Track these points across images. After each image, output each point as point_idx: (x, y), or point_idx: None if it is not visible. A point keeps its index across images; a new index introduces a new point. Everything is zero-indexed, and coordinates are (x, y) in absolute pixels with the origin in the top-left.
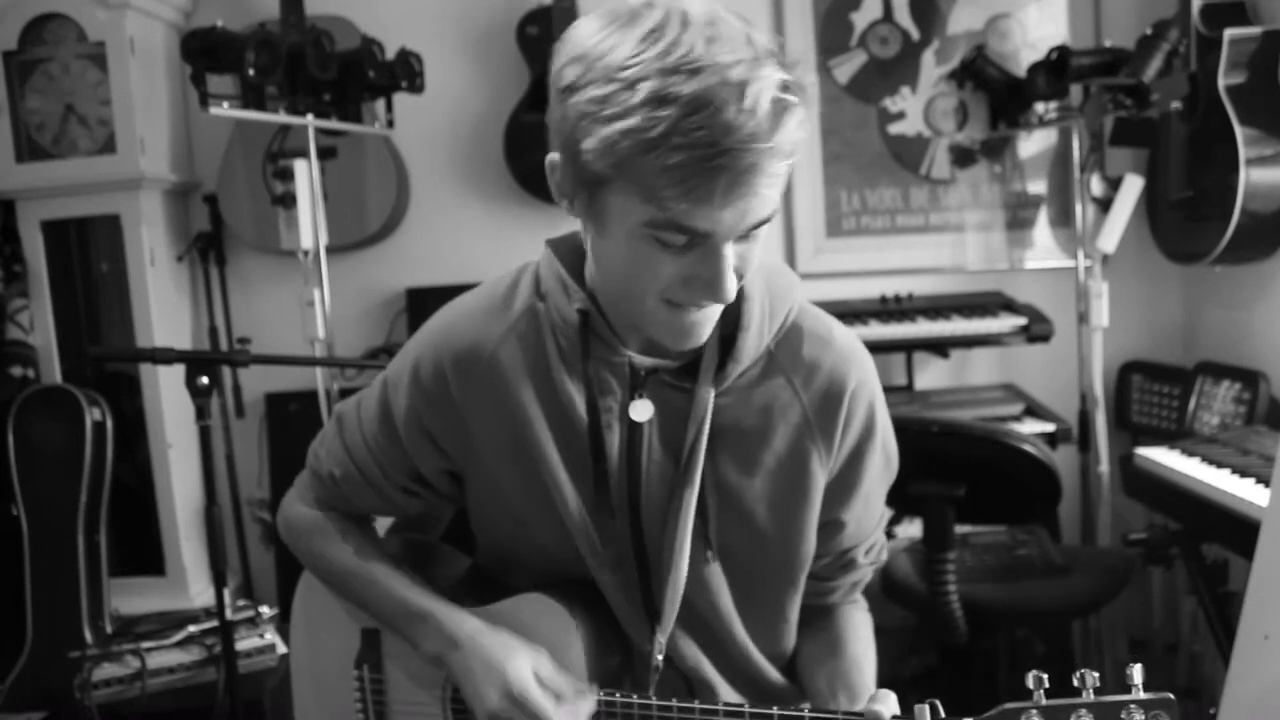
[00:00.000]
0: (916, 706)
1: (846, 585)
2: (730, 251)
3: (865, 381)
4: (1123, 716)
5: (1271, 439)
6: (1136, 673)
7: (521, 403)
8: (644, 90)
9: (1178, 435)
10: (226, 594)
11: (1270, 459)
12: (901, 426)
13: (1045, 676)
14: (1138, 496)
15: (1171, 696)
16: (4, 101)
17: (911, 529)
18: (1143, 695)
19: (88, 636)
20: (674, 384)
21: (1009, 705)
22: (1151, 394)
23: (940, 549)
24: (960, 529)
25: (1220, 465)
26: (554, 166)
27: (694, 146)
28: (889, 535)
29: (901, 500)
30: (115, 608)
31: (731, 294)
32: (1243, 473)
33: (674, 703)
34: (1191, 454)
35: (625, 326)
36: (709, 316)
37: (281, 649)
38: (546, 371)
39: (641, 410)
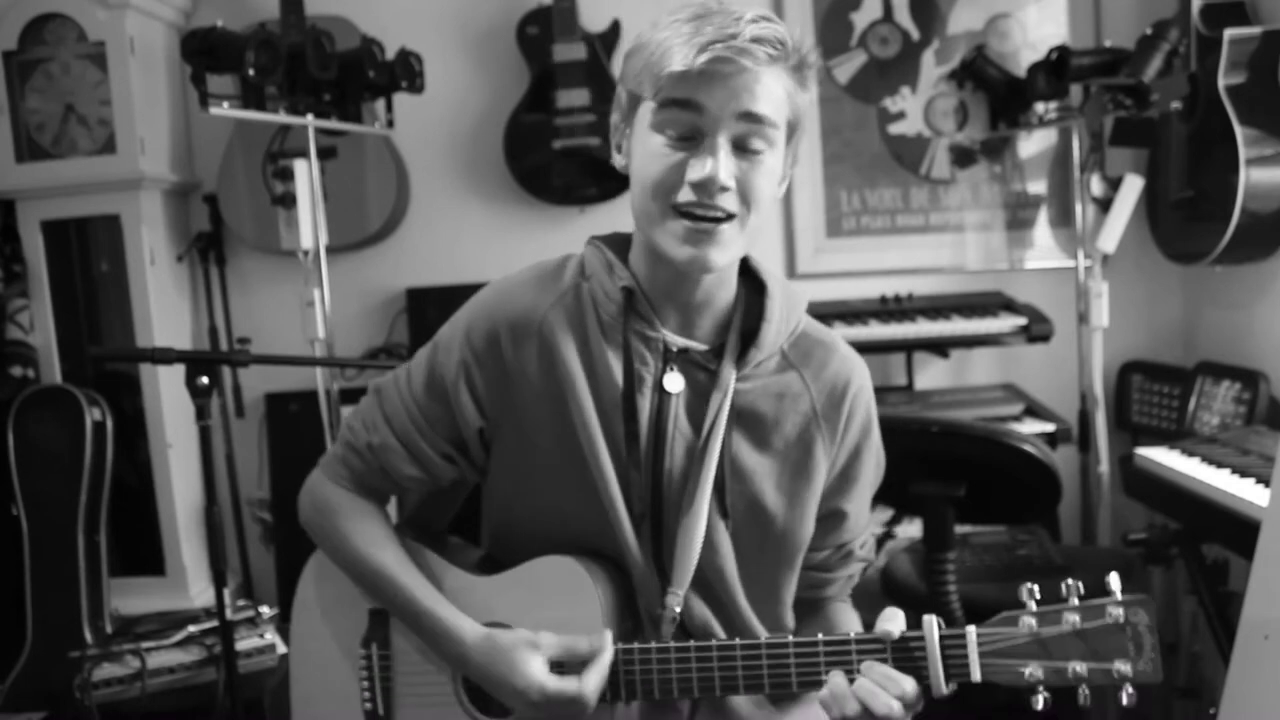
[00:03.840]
0: (925, 618)
1: (843, 578)
2: (726, 151)
3: (865, 386)
4: (1105, 614)
5: (1271, 439)
6: (1114, 579)
7: (566, 362)
8: (669, 27)
9: (1178, 435)
10: (226, 594)
11: (1270, 459)
12: (901, 426)
13: (1036, 587)
14: (1138, 496)
15: (1147, 596)
16: (4, 101)
17: (911, 529)
18: (1121, 596)
19: (88, 636)
20: (701, 364)
21: (1007, 612)
22: (1151, 394)
23: (940, 549)
24: (960, 529)
25: (1220, 465)
26: (612, 125)
27: (684, 34)
28: (889, 535)
29: (901, 500)
30: (115, 608)
31: (724, 184)
32: (1243, 473)
33: (688, 644)
34: (1191, 454)
35: (662, 304)
36: (717, 246)
37: (281, 649)
38: (586, 340)
39: (674, 382)
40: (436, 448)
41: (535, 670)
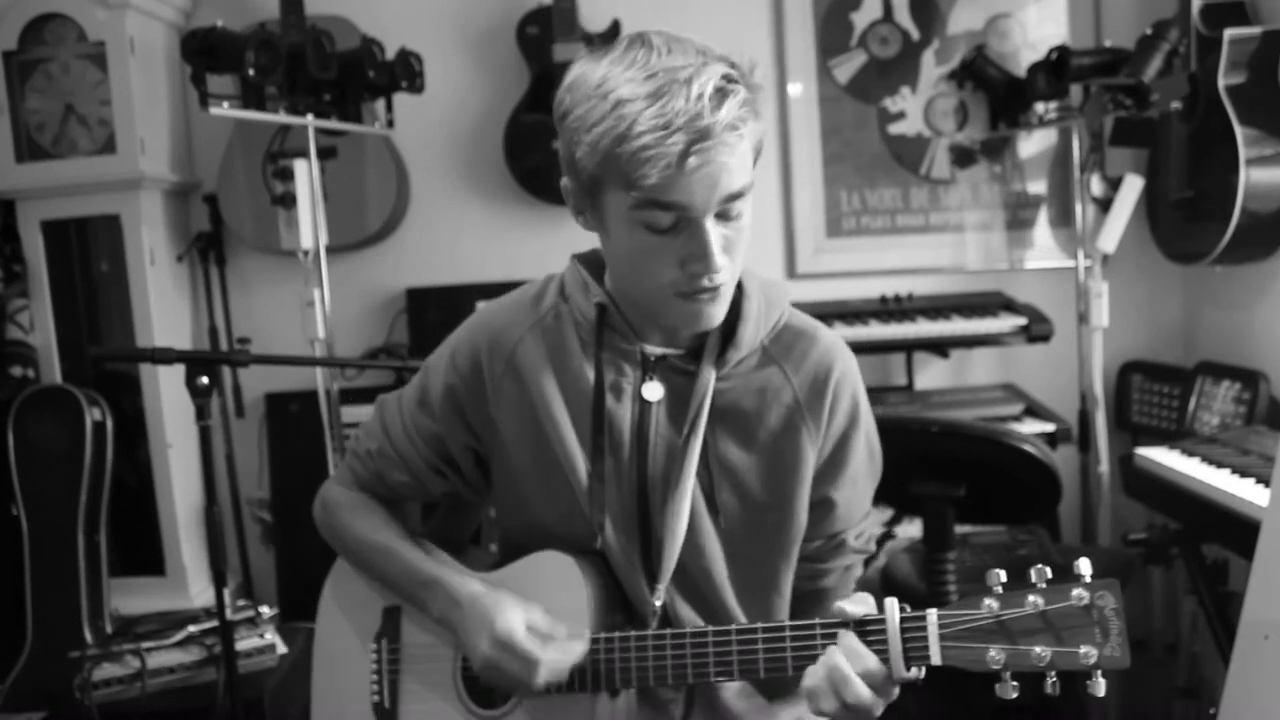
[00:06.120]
0: (887, 600)
1: (839, 569)
2: (714, 229)
3: (848, 372)
4: (1069, 595)
5: (1271, 439)
6: (1084, 564)
7: (540, 383)
8: (613, 98)
9: (1178, 435)
10: (226, 594)
11: (1270, 459)
12: (901, 426)
13: (1003, 572)
14: (1138, 496)
15: (1115, 580)
16: (4, 101)
17: (911, 529)
18: (1089, 580)
19: (88, 636)
20: (680, 368)
21: (971, 595)
22: (1151, 394)
23: (940, 549)
24: (960, 529)
25: (1220, 465)
26: (566, 188)
27: (653, 130)
28: (889, 535)
29: (901, 500)
30: (115, 608)
31: (720, 266)
32: (1243, 473)
33: (663, 631)
34: (1191, 454)
35: (640, 321)
36: (719, 304)
37: (281, 649)
38: (566, 358)
39: (653, 390)
40: (427, 461)
41: (515, 620)
